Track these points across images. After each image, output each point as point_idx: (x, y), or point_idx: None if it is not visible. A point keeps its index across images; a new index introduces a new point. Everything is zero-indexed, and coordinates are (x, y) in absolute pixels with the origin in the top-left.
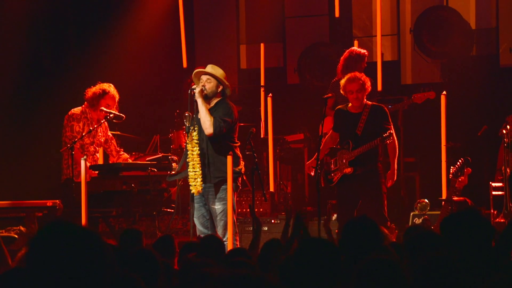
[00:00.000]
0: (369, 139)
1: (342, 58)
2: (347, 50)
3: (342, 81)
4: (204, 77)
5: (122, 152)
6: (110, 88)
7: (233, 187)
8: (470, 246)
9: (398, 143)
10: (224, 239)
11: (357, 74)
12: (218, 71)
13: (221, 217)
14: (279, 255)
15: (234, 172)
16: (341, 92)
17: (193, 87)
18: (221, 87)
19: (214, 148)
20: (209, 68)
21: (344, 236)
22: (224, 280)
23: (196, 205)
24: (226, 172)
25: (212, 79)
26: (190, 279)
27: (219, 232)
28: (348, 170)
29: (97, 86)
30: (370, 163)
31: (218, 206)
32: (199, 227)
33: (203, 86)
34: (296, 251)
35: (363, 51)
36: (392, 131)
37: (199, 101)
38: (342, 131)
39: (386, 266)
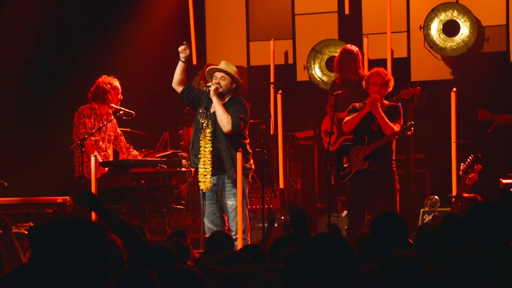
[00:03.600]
0: (384, 135)
1: (336, 56)
2: (341, 48)
3: (367, 73)
4: (218, 74)
5: (131, 149)
6: (108, 78)
7: (245, 183)
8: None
9: (408, 140)
10: (234, 236)
11: (384, 70)
12: (232, 68)
13: (236, 213)
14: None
15: (245, 168)
16: (363, 83)
17: (208, 84)
18: (234, 85)
19: (230, 144)
20: (223, 65)
21: (373, 230)
22: (224, 277)
23: (206, 202)
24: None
25: (227, 76)
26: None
27: (233, 227)
28: (363, 165)
29: (98, 82)
30: (384, 159)
31: (233, 202)
32: (208, 224)
33: (218, 83)
34: (308, 247)
35: (354, 48)
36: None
37: (215, 100)
38: (357, 127)
39: (410, 263)
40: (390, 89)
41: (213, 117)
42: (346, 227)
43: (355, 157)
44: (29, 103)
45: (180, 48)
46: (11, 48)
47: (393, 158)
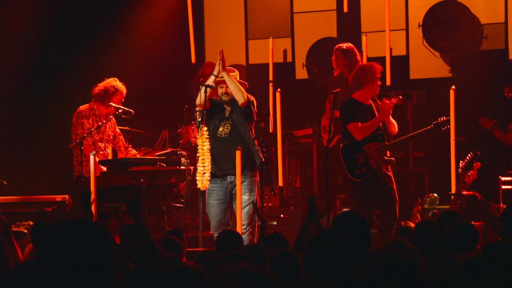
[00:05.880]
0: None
1: (333, 56)
2: (335, 47)
3: (370, 67)
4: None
5: (130, 148)
6: (117, 82)
7: (255, 180)
8: None
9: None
10: (245, 229)
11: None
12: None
13: (250, 207)
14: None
15: (255, 166)
16: (360, 78)
17: (207, 83)
18: None
19: (245, 144)
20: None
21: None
22: (224, 274)
23: (214, 202)
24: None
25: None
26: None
27: (244, 221)
28: (388, 161)
29: (104, 82)
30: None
31: (246, 197)
32: (215, 224)
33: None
34: (308, 246)
35: (348, 46)
36: None
37: (225, 74)
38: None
39: (401, 261)
40: None
41: (231, 120)
42: None
43: (374, 154)
44: (29, 102)
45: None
46: (11, 48)
47: None
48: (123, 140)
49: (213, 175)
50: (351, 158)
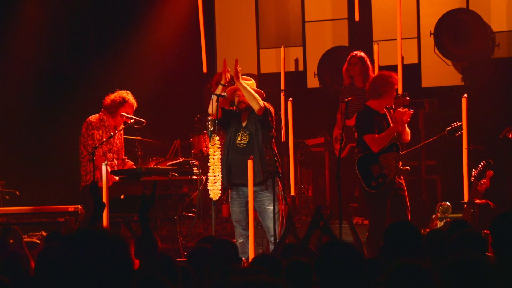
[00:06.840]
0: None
1: (344, 64)
2: (349, 55)
3: (390, 79)
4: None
5: (126, 159)
6: (129, 96)
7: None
8: None
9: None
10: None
11: None
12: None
13: (277, 218)
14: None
15: (277, 172)
16: (380, 88)
17: (216, 92)
18: None
19: (263, 153)
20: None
21: (387, 240)
22: (239, 285)
23: (237, 209)
24: (272, 166)
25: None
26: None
27: (271, 230)
28: (403, 171)
29: (115, 93)
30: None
31: (271, 207)
32: (240, 230)
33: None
34: (318, 254)
35: (362, 53)
36: None
37: (239, 83)
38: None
39: (416, 271)
40: None
41: (248, 130)
42: (367, 234)
43: (390, 165)
44: (40, 112)
45: (222, 76)
46: (23, 59)
47: None
48: (123, 152)
49: (233, 184)
50: (367, 170)
